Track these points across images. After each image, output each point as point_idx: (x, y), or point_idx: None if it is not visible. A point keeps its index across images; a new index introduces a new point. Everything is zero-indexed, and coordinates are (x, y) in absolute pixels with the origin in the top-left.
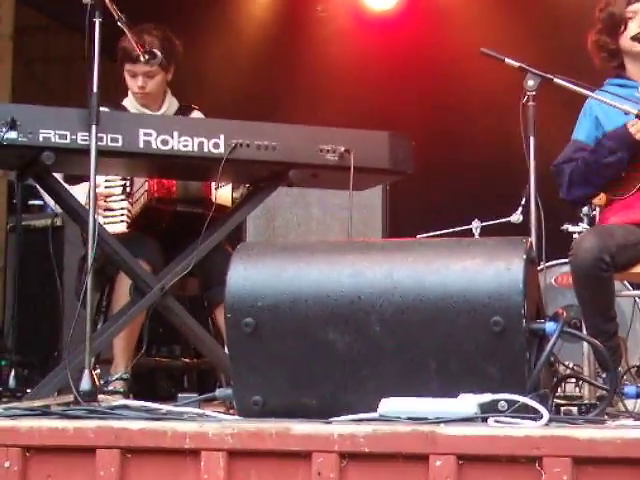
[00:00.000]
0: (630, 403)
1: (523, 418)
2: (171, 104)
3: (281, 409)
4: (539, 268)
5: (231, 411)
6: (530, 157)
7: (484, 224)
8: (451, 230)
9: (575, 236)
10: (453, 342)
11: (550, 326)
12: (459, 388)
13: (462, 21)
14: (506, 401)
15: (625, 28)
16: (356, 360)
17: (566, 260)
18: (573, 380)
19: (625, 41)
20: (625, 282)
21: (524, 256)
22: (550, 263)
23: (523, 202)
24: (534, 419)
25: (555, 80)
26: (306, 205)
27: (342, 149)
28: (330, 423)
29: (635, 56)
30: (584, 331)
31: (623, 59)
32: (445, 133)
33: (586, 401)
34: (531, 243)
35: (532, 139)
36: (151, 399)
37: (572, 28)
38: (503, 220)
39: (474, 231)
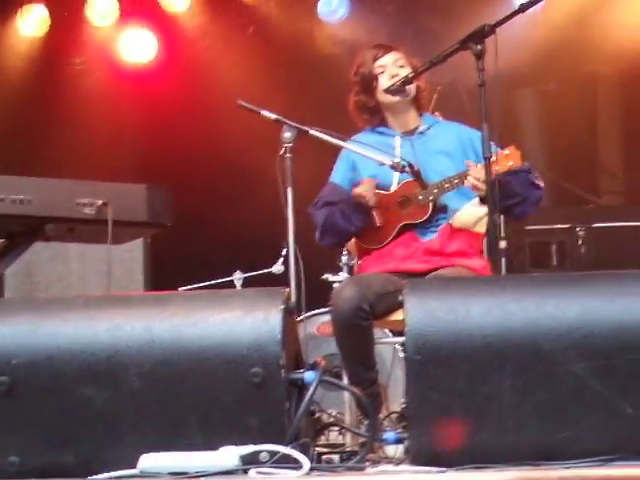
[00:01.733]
0: (392, 449)
1: (284, 468)
2: None
3: (39, 469)
4: (301, 317)
5: None
6: (288, 208)
7: (246, 275)
8: (213, 282)
9: (335, 285)
10: (213, 395)
11: (309, 375)
12: (221, 441)
13: (221, 73)
14: (268, 452)
15: (377, 83)
16: (115, 415)
17: (327, 309)
18: (337, 428)
19: (380, 95)
20: (385, 330)
21: (282, 306)
22: (311, 312)
23: (284, 253)
24: (295, 469)
25: (311, 132)
26: (65, 260)
27: (99, 202)
28: None
29: (392, 107)
30: (346, 379)
31: (384, 114)
32: (206, 185)
33: (348, 448)
34: (289, 293)
35: (289, 190)
36: None
37: (332, 79)
38: (265, 271)
39: (236, 283)
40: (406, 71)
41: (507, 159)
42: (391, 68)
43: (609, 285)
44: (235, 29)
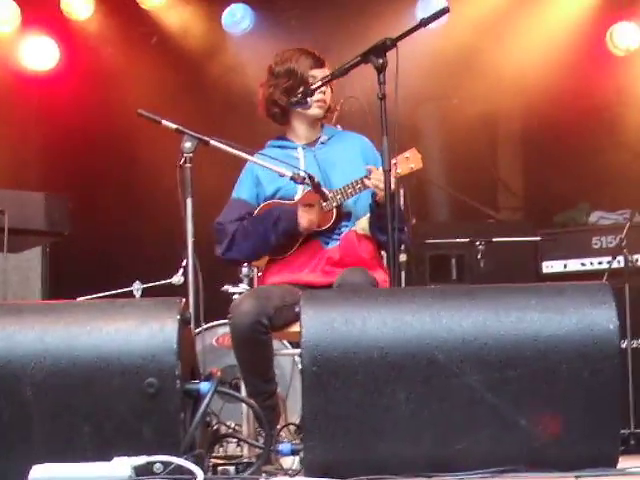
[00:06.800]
0: (289, 460)
1: (179, 479)
2: None
3: None
4: (200, 329)
5: None
6: (187, 219)
7: (145, 286)
8: (112, 292)
9: (235, 297)
10: (107, 405)
11: (204, 386)
12: (115, 451)
13: (124, 81)
14: (161, 462)
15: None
16: (7, 426)
17: (226, 321)
18: (235, 440)
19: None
20: (284, 341)
21: (177, 317)
22: (211, 324)
23: (184, 263)
24: (190, 479)
25: (212, 143)
26: None
27: None
28: None
29: (302, 117)
30: (244, 391)
31: (291, 118)
32: (107, 194)
33: (245, 460)
34: (186, 304)
35: (189, 201)
36: None
37: (236, 90)
38: (165, 282)
39: (135, 293)
40: (328, 89)
41: (408, 161)
42: (319, 83)
43: (504, 297)
44: (139, 38)
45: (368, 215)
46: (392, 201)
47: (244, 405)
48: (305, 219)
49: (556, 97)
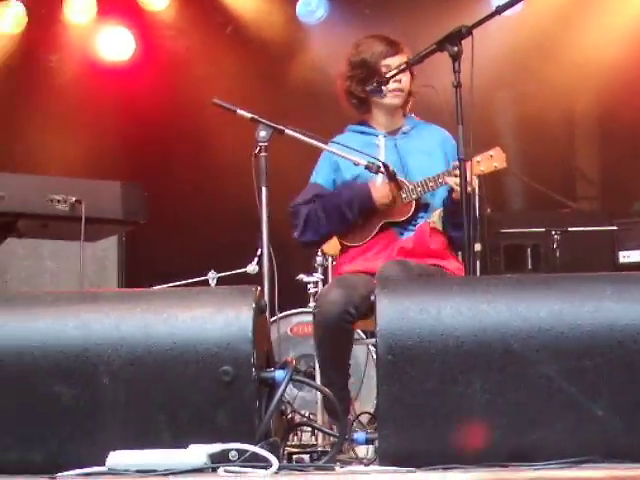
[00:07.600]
0: (362, 449)
1: (254, 467)
2: None
3: (7, 466)
4: (274, 318)
5: None
6: (262, 208)
7: (220, 275)
8: (188, 281)
9: (310, 286)
10: (182, 393)
11: (279, 374)
12: (190, 439)
13: (199, 71)
14: (237, 450)
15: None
16: (84, 413)
17: (301, 310)
18: (309, 429)
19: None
20: (358, 330)
21: (253, 305)
22: (285, 313)
23: (258, 252)
24: (265, 467)
25: (287, 131)
26: (39, 257)
27: (73, 199)
28: (55, 479)
29: (382, 106)
30: (318, 380)
31: (371, 107)
32: (183, 183)
33: (319, 448)
34: (261, 292)
35: (264, 190)
36: None
37: (312, 79)
38: (239, 271)
39: (210, 282)
40: (406, 76)
41: (492, 160)
42: (394, 71)
43: (580, 287)
44: (213, 28)
45: (441, 209)
46: (467, 194)
47: (318, 394)
48: (379, 192)
49: (634, 84)
